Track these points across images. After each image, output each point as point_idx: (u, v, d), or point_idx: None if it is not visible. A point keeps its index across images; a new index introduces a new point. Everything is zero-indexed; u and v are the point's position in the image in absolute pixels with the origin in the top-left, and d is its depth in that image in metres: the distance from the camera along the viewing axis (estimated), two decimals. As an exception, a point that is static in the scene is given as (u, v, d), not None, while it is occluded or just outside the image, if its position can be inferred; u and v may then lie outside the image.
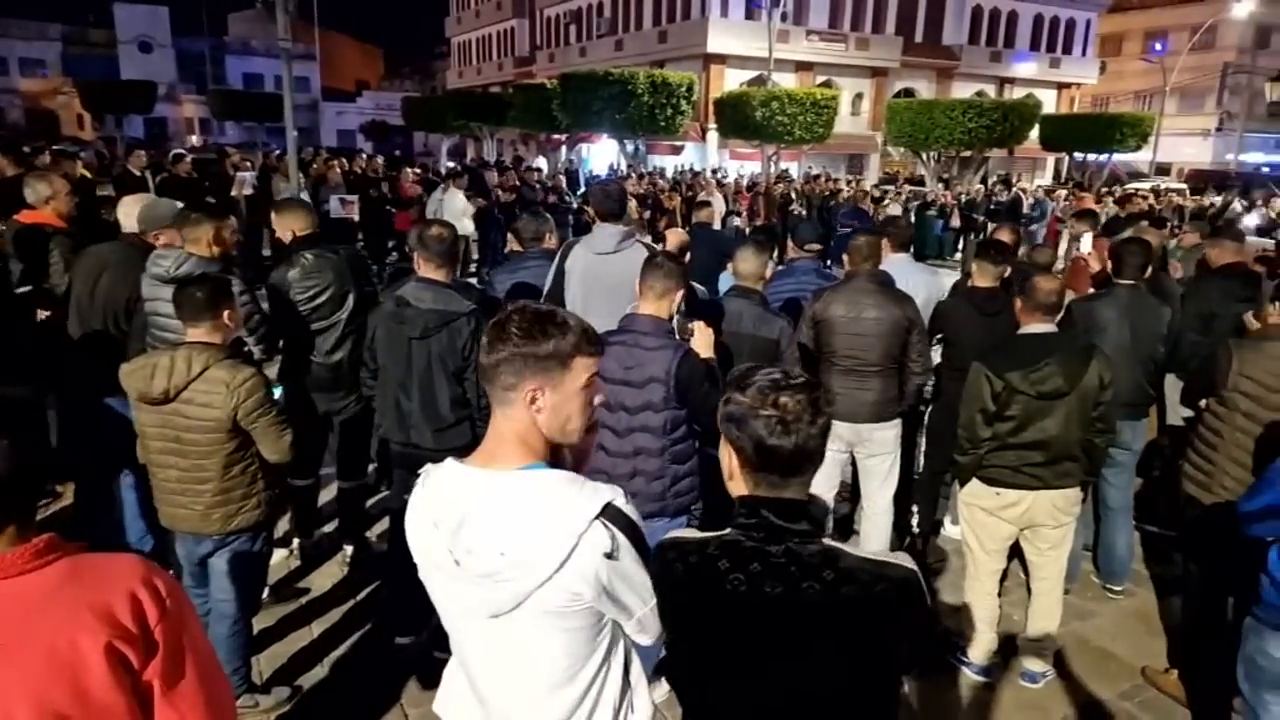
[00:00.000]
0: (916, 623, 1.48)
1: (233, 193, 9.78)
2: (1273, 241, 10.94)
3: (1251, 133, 38.06)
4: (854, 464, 4.16)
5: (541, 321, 1.46)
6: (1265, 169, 33.34)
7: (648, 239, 4.07)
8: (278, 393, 3.17)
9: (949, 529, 4.71)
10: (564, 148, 27.13)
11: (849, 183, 21.92)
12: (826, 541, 1.46)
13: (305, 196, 9.38)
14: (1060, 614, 3.61)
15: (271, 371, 4.01)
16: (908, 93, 34.79)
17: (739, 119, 22.20)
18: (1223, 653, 2.64)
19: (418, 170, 15.73)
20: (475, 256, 11.93)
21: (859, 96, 35.42)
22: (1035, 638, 3.57)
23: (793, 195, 17.50)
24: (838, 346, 3.83)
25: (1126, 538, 4.26)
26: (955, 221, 16.88)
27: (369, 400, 3.62)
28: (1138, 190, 19.68)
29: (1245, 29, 37.99)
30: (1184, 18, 39.13)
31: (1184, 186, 26.10)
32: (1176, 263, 6.13)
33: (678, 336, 3.01)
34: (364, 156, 17.81)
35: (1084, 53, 40.96)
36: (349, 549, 4.24)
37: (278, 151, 14.83)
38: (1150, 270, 4.51)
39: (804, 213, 15.66)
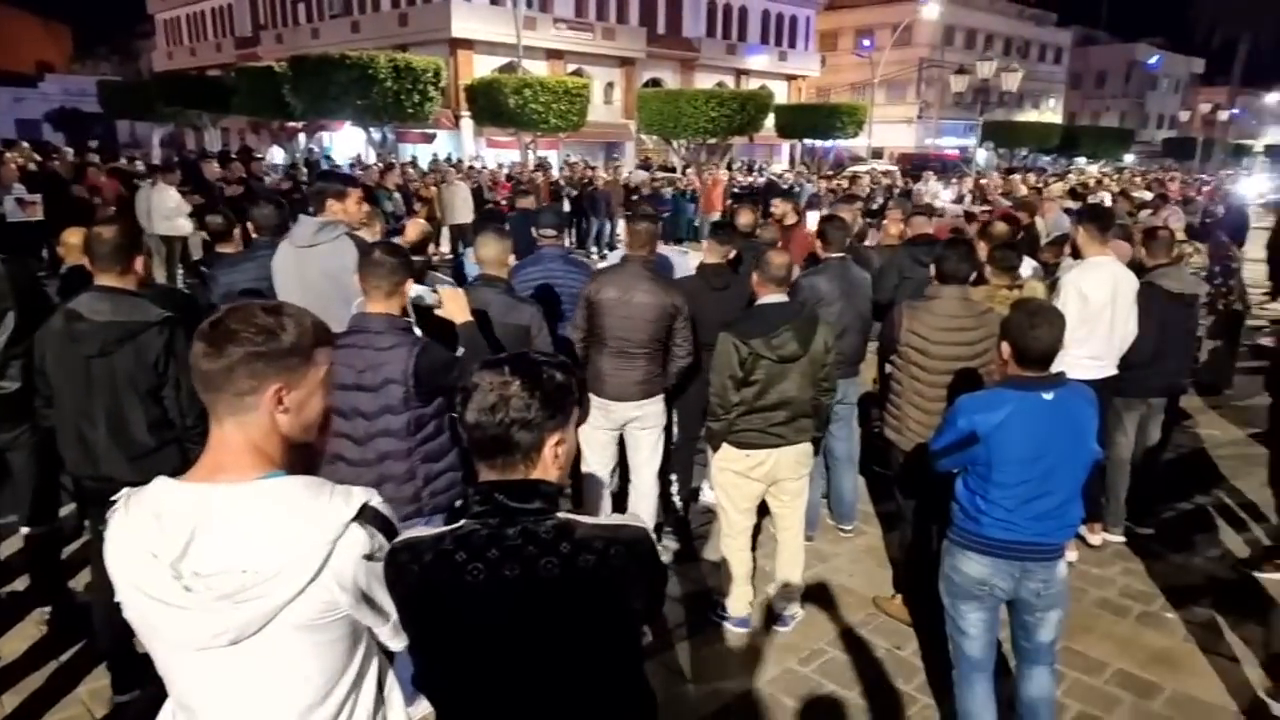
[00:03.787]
0: (650, 577, 1.53)
1: None
2: (961, 210, 12.69)
3: (945, 119, 43.96)
4: (621, 443, 4.24)
5: (275, 315, 1.39)
6: (954, 150, 38.72)
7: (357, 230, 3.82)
8: None
9: (707, 494, 4.95)
10: (301, 136, 25.20)
11: (609, 170, 22.43)
12: (561, 515, 1.46)
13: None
14: (803, 559, 3.92)
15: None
16: (655, 82, 36.26)
17: (492, 106, 21.93)
18: (934, 574, 2.98)
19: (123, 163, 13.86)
20: (195, 257, 10.71)
21: (610, 85, 36.32)
22: (784, 584, 3.86)
23: (562, 183, 17.58)
24: (608, 328, 3.89)
25: (851, 482, 4.73)
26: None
27: (50, 431, 3.08)
28: (856, 174, 21.99)
29: (935, 28, 43.68)
30: (886, 16, 44.20)
31: (895, 168, 29.59)
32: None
33: (429, 302, 2.86)
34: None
35: (807, 47, 44.99)
36: (47, 606, 3.62)
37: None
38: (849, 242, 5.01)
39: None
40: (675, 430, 4.84)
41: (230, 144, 27.88)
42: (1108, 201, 11.67)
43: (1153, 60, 59.95)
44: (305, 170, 15.83)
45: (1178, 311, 4.57)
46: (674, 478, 4.85)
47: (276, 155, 25.41)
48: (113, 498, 1.37)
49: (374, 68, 18.43)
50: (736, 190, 18.68)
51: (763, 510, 3.90)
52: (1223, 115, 46.87)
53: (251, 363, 1.34)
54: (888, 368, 4.01)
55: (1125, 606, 4.10)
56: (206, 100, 27.12)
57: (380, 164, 15.59)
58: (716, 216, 16.19)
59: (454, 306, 2.93)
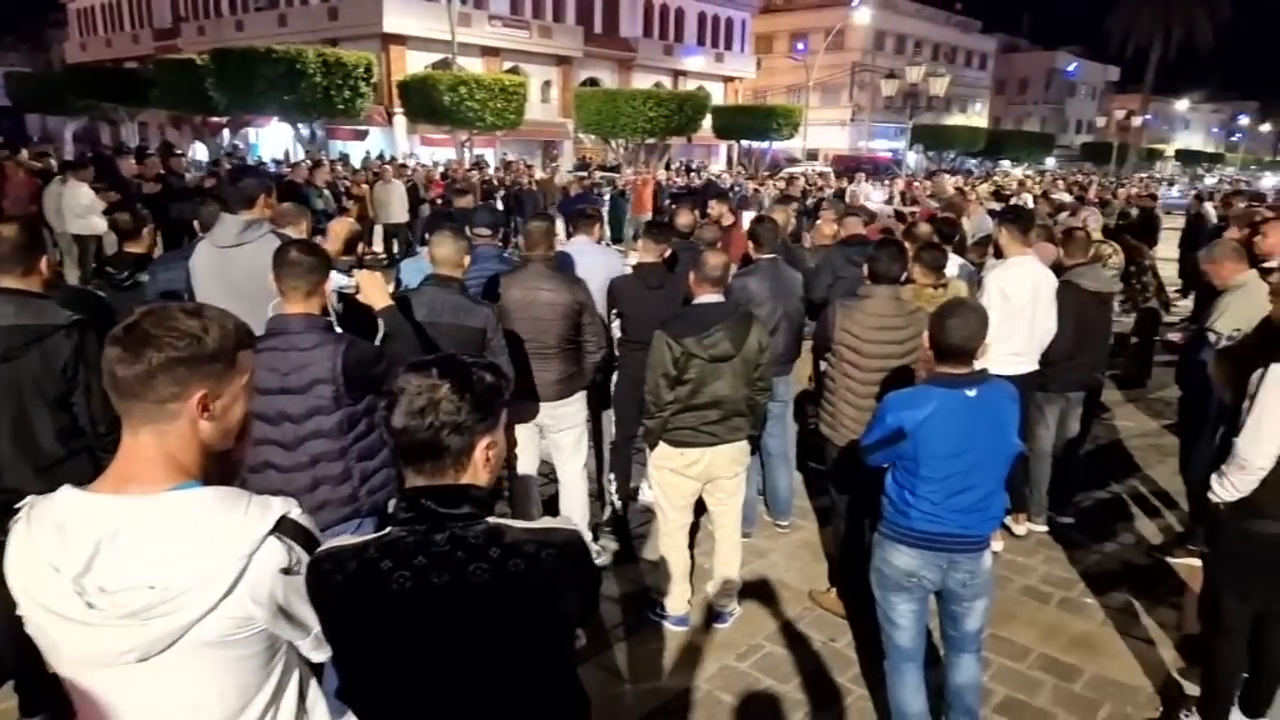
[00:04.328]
0: (583, 579, 1.53)
1: None
2: (891, 210, 13.01)
3: (877, 123, 45.03)
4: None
5: (197, 317, 1.34)
6: (886, 153, 39.70)
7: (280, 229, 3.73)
8: None
9: (646, 494, 4.95)
10: (226, 131, 24.36)
11: (547, 170, 22.36)
12: (492, 520, 1.44)
13: None
14: (740, 555, 3.96)
15: None
16: (593, 82, 36.19)
17: (426, 103, 21.60)
18: (867, 567, 3.04)
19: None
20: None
21: (547, 84, 36.13)
22: (722, 581, 3.88)
23: (495, 181, 17.42)
24: (518, 330, 3.84)
25: (787, 478, 4.79)
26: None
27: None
28: (792, 175, 22.39)
29: (867, 33, 44.70)
30: (820, 21, 45.05)
31: (830, 170, 30.20)
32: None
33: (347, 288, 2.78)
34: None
35: (743, 49, 45.50)
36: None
37: None
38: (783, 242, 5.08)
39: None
40: (613, 429, 4.84)
41: (149, 139, 26.83)
42: (1030, 204, 12.11)
43: (1071, 68, 62.54)
44: (229, 167, 15.33)
45: (1094, 309, 4.76)
46: (612, 477, 4.84)
47: (199, 151, 24.54)
48: (15, 505, 1.31)
49: (302, 62, 17.93)
50: (675, 190, 18.80)
51: (701, 508, 3.92)
52: (1136, 121, 49.17)
53: (174, 368, 1.29)
54: (823, 365, 4.07)
55: (1047, 593, 4.25)
56: (123, 93, 26.02)
57: (309, 161, 15.17)
58: (648, 217, 16.26)
59: (372, 291, 2.85)
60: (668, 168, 27.15)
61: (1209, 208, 12.75)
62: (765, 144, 33.21)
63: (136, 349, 1.28)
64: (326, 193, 12.69)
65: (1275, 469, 2.78)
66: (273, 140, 28.16)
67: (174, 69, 22.17)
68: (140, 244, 4.09)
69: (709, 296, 3.56)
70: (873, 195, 18.79)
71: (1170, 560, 4.54)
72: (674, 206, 8.22)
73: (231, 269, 3.30)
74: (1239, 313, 4.06)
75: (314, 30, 30.40)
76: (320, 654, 1.48)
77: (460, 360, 1.47)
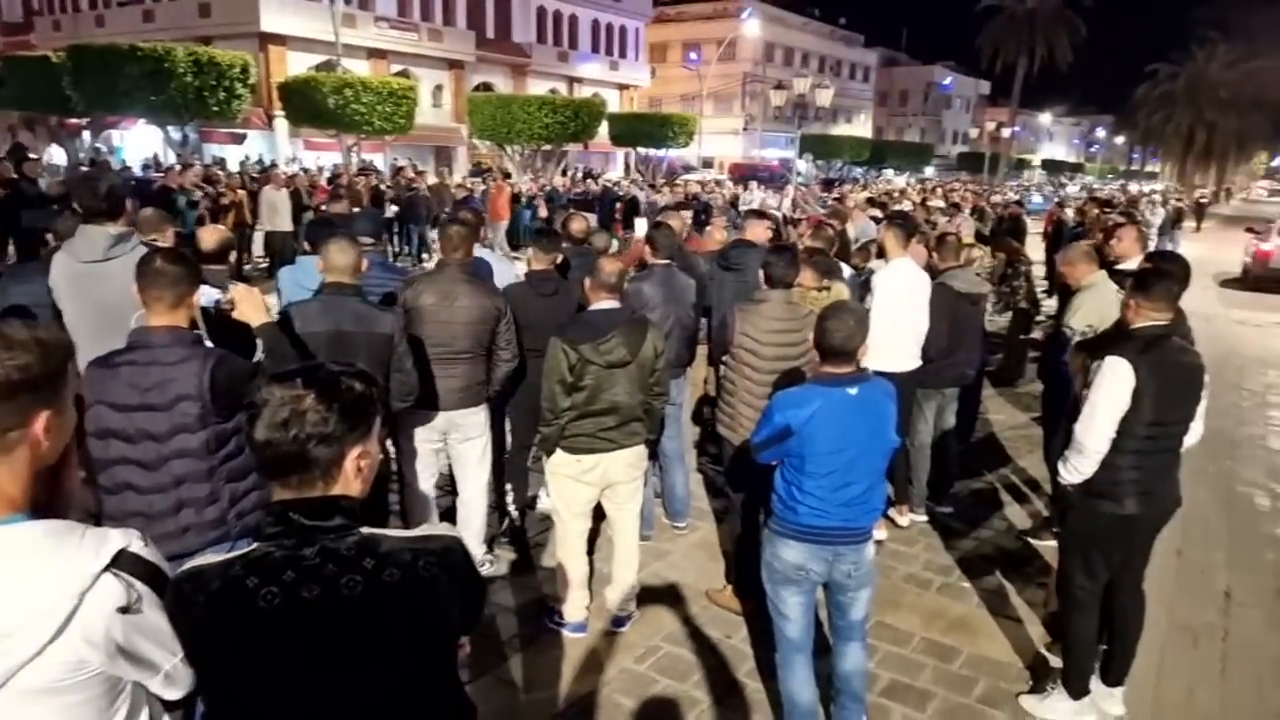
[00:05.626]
0: (465, 586, 1.50)
1: None
2: (782, 216, 13.38)
3: (768, 132, 46.33)
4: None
5: (28, 333, 1.25)
6: (776, 162, 40.96)
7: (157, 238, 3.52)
8: None
9: (544, 501, 4.91)
10: (87, 133, 22.76)
11: (438, 174, 21.94)
12: (365, 530, 1.40)
13: None
14: (638, 559, 3.98)
15: None
16: (486, 87, 35.75)
17: (310, 106, 20.83)
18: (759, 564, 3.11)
19: None
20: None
21: (439, 88, 35.40)
22: (620, 585, 3.89)
23: (383, 187, 16.96)
24: (427, 335, 3.77)
25: (683, 479, 4.85)
26: (544, 211, 17.84)
27: None
28: (688, 181, 22.81)
29: (756, 45, 45.95)
30: (712, 32, 46.09)
31: (726, 177, 30.88)
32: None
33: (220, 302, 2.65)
34: None
35: (637, 57, 45.94)
36: None
37: None
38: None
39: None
40: (509, 438, 4.78)
41: (-1, 141, 24.70)
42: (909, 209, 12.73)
43: (947, 82, 66.18)
44: (84, 171, 14.33)
45: (965, 309, 5.05)
46: (509, 486, 4.78)
47: (56, 155, 22.86)
48: None
49: (171, 61, 16.95)
50: (571, 197, 18.82)
51: (599, 514, 3.92)
52: (1006, 132, 52.47)
53: (18, 395, 1.20)
54: (722, 369, 4.14)
55: (928, 580, 4.47)
56: (-33, 92, 23.96)
57: (179, 165, 14.36)
58: (504, 225, 16.48)
59: (248, 307, 2.72)
60: (564, 174, 27.12)
61: (1069, 213, 13.73)
62: (661, 152, 33.64)
63: None
64: (196, 195, 12.03)
65: (1111, 453, 3.02)
66: (140, 143, 26.44)
67: (26, 66, 20.66)
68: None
69: (605, 303, 3.56)
70: (768, 203, 19.36)
71: (1036, 542, 4.86)
72: (569, 213, 8.22)
73: (101, 286, 3.06)
74: (1090, 310, 4.39)
75: (183, 28, 28.76)
76: (172, 691, 1.40)
77: (327, 369, 1.44)
